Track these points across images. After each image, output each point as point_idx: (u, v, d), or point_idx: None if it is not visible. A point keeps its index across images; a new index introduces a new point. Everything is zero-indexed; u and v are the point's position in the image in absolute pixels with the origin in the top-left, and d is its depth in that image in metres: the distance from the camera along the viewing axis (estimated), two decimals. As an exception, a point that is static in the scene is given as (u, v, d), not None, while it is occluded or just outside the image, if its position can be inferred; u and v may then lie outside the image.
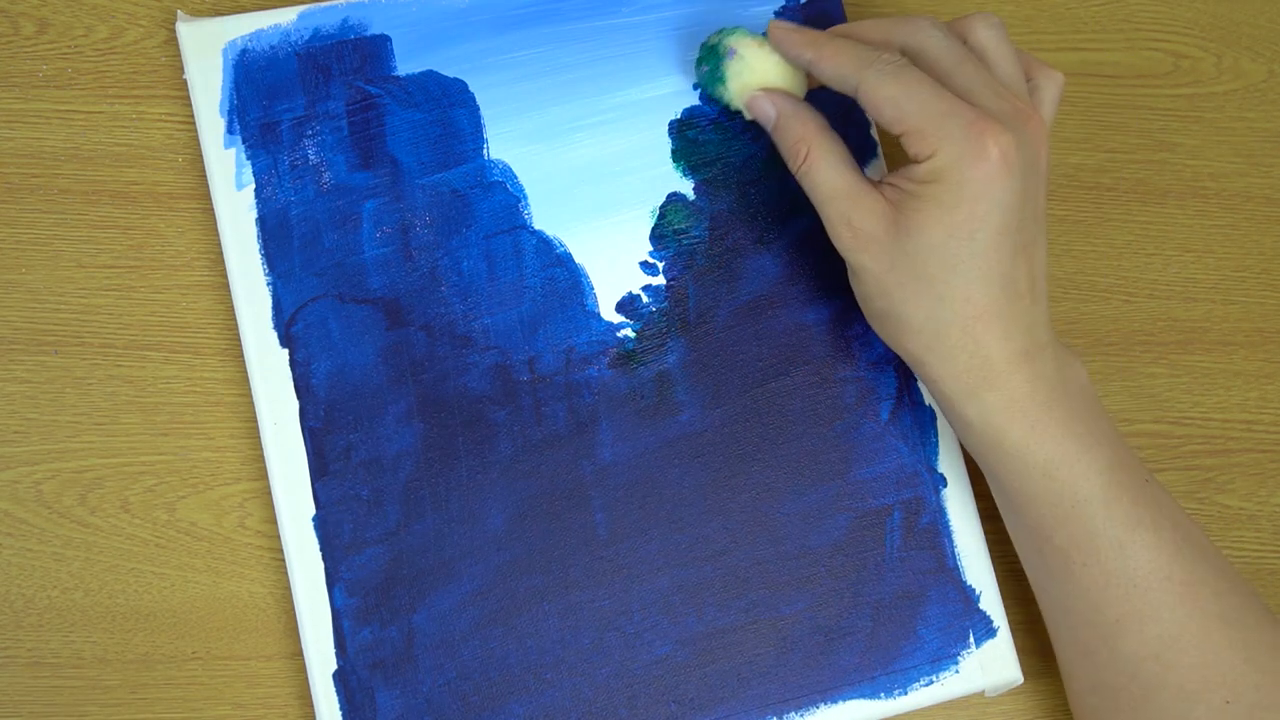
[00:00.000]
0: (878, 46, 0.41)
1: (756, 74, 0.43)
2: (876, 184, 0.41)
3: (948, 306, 0.40)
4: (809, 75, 0.43)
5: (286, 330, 0.44)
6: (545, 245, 0.46)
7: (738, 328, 0.46)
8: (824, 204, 0.41)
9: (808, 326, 0.47)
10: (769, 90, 0.43)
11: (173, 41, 0.48)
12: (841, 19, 0.49)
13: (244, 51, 0.45)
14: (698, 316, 0.46)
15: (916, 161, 0.39)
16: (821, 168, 0.41)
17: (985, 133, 0.38)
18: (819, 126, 0.42)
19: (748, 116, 0.44)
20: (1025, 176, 0.39)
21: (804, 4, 0.49)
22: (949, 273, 0.39)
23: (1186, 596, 0.40)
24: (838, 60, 0.41)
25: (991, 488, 0.43)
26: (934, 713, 0.47)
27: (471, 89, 0.46)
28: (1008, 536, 0.48)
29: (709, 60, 0.44)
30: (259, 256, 0.45)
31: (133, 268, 0.46)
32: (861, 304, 0.43)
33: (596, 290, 0.46)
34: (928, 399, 0.47)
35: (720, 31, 0.44)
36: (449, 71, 0.46)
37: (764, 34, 0.43)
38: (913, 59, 0.41)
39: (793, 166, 0.42)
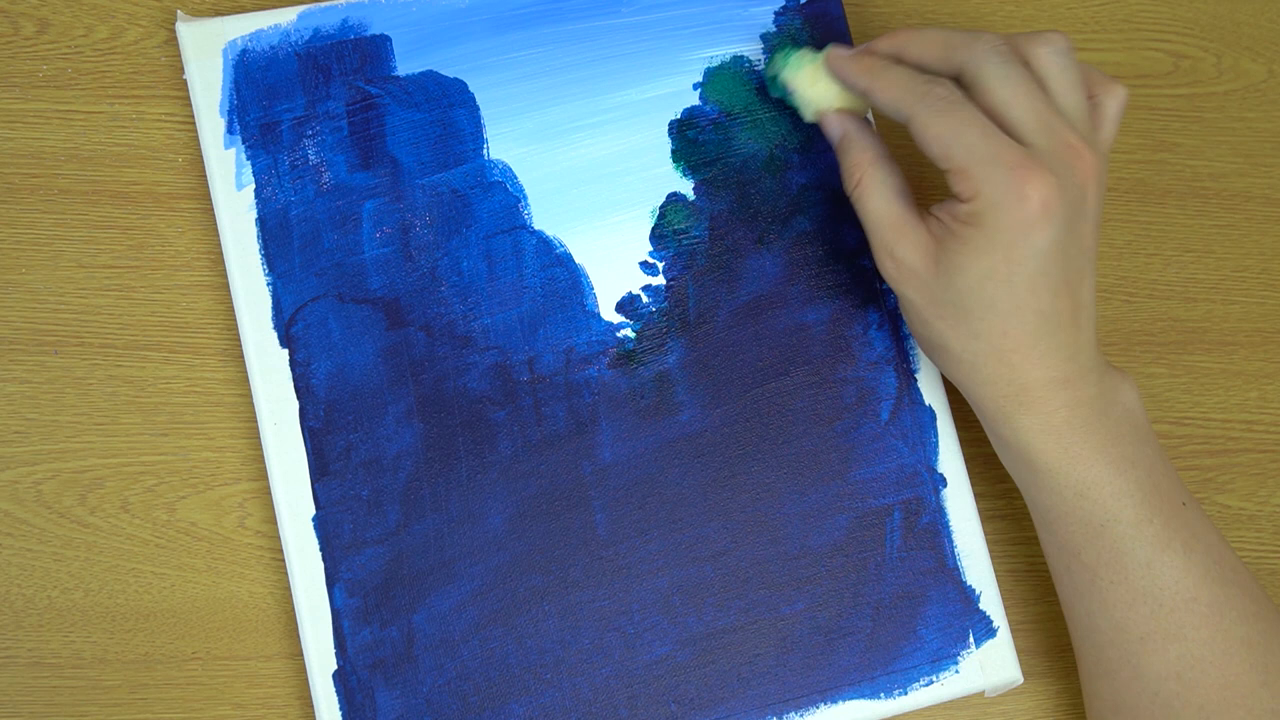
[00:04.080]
0: (935, 68, 0.41)
1: (818, 104, 0.44)
2: (924, 215, 0.41)
3: (985, 340, 0.40)
4: None
5: (286, 330, 0.44)
6: (545, 245, 0.46)
7: (738, 328, 0.46)
8: (871, 231, 0.42)
9: (808, 326, 0.47)
10: (840, 111, 0.44)
11: (173, 41, 0.48)
12: (841, 17, 0.49)
13: (244, 51, 0.45)
14: (698, 317, 0.46)
15: (959, 201, 0.39)
16: (872, 195, 0.42)
17: (1027, 180, 0.38)
18: (876, 154, 0.43)
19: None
20: (1068, 220, 0.39)
21: (804, 3, 0.49)
22: (986, 310, 0.40)
23: (1211, 618, 0.40)
24: (892, 92, 0.41)
25: (1027, 504, 0.43)
26: (934, 713, 0.47)
27: (471, 89, 0.46)
28: (1008, 537, 0.49)
29: (775, 89, 0.46)
30: (259, 256, 0.45)
31: (133, 268, 0.46)
32: (908, 327, 0.43)
33: (596, 290, 0.46)
34: (928, 399, 0.47)
35: (775, 59, 0.46)
36: (449, 71, 0.46)
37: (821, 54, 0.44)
38: (970, 83, 0.40)
39: (847, 189, 0.43)
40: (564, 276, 0.46)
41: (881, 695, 0.44)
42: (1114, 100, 0.42)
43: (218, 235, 0.45)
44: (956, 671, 0.45)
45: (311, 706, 0.44)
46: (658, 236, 0.47)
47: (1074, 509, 0.41)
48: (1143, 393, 0.51)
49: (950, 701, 0.46)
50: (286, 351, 0.44)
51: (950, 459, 0.46)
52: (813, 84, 0.44)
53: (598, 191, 0.47)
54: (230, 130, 0.45)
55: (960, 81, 0.41)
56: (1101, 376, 0.41)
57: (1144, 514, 0.40)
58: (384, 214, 0.45)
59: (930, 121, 0.40)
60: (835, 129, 0.44)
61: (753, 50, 0.48)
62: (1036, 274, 0.39)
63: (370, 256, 0.45)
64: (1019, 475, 0.42)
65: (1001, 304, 0.39)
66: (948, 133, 0.39)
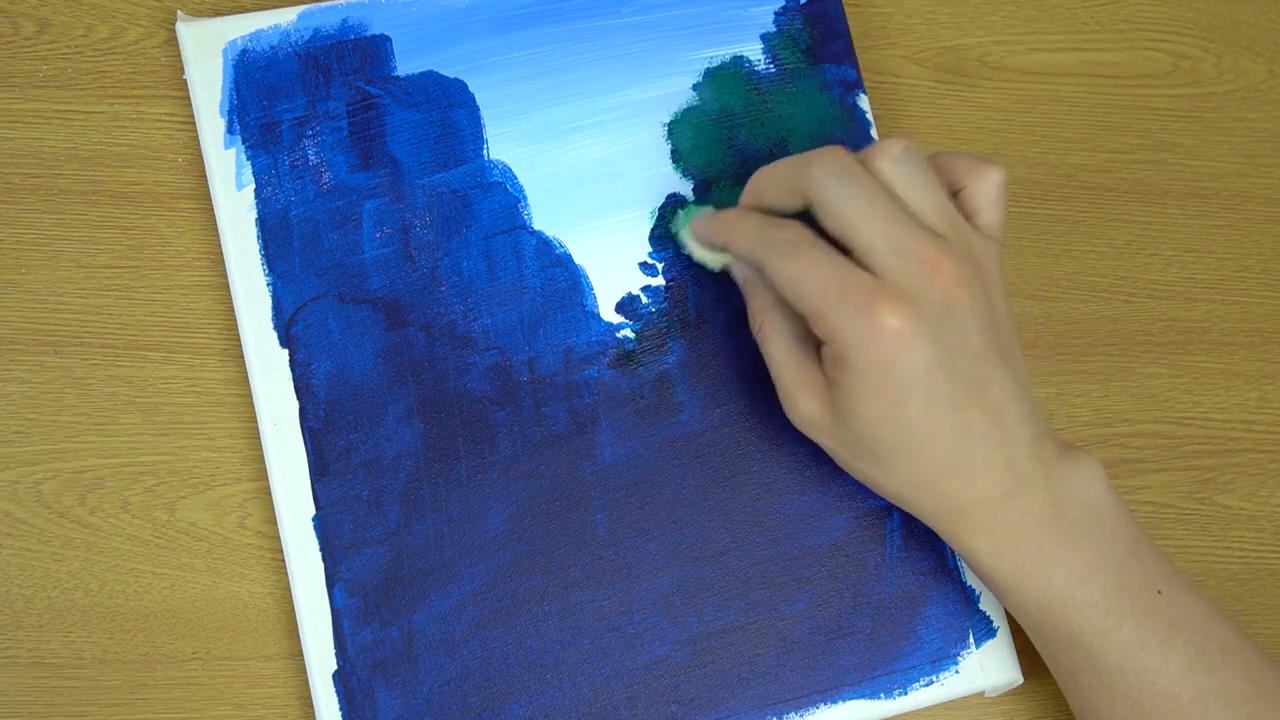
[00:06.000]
0: (789, 205, 0.40)
1: (711, 259, 0.44)
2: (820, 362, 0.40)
3: (904, 474, 0.39)
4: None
5: (286, 330, 0.44)
6: (545, 246, 0.46)
7: (737, 328, 0.46)
8: (774, 377, 0.41)
9: (808, 326, 0.47)
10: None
11: (173, 41, 0.48)
12: (841, 17, 0.49)
13: (244, 51, 0.45)
14: (697, 317, 0.46)
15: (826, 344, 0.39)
16: (773, 339, 0.41)
17: (877, 312, 0.36)
18: (776, 299, 0.41)
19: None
20: (937, 337, 0.37)
21: (804, 3, 0.49)
22: (892, 450, 0.39)
23: (1194, 713, 0.39)
24: (743, 243, 0.40)
25: None
26: (934, 713, 0.47)
27: (471, 89, 0.47)
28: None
29: (682, 248, 0.45)
30: (259, 257, 0.45)
31: (133, 268, 0.47)
32: None
33: (596, 291, 0.46)
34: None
35: (675, 218, 0.45)
36: (449, 71, 0.47)
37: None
38: (816, 213, 0.39)
39: (753, 331, 0.42)
40: (564, 277, 0.46)
41: (881, 695, 0.44)
42: (986, 183, 0.40)
43: (218, 235, 0.45)
44: (956, 671, 0.45)
45: (311, 706, 0.44)
46: (657, 237, 0.47)
47: (1040, 622, 0.40)
48: (1148, 392, 0.51)
49: (950, 701, 0.46)
50: (286, 351, 0.44)
51: (950, 459, 0.46)
52: (701, 249, 0.44)
53: (597, 192, 0.47)
54: (230, 130, 0.45)
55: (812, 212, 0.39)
56: (1049, 476, 0.39)
57: (1111, 622, 0.39)
58: (384, 214, 0.45)
59: (779, 267, 0.38)
60: (739, 274, 0.43)
61: (753, 50, 0.48)
62: (924, 401, 0.37)
63: (370, 256, 0.45)
64: (986, 587, 0.42)
65: (901, 440, 0.38)
66: (796, 277, 0.38)
